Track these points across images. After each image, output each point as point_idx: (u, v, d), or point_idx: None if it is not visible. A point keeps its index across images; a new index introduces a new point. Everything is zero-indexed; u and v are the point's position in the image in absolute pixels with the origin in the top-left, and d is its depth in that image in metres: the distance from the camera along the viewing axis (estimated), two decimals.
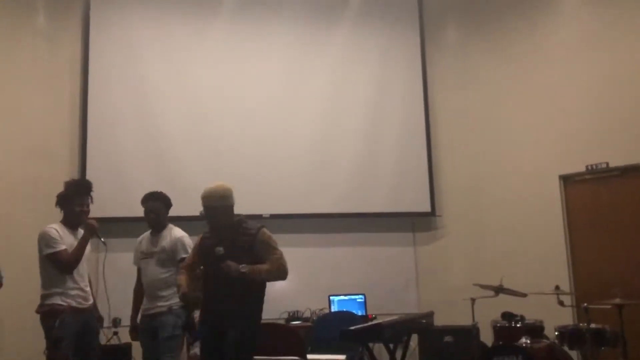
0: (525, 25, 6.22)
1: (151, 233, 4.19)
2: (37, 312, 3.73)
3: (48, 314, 3.66)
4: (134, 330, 4.18)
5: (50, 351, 3.59)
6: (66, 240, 3.76)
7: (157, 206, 4.15)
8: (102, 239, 3.95)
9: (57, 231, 3.76)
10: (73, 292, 3.73)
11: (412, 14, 6.76)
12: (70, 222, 3.85)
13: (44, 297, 3.73)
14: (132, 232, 5.75)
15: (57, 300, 3.67)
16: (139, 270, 4.21)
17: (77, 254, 3.73)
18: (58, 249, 3.68)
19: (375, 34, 6.62)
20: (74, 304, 3.70)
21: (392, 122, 6.51)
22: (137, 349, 5.07)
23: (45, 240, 3.71)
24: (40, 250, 3.73)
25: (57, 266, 3.69)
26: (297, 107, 6.30)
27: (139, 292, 4.19)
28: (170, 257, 4.03)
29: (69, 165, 5.76)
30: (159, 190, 4.21)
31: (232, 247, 3.35)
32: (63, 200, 3.85)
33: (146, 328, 4.02)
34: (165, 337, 3.92)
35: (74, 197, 3.84)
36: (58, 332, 3.59)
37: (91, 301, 3.92)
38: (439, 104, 6.71)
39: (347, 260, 6.26)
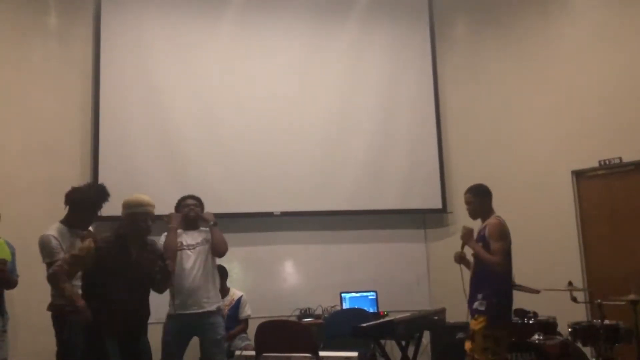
0: (537, 19, 6.17)
1: (186, 229, 4.16)
2: (48, 310, 3.76)
3: (56, 315, 3.68)
4: None
5: (60, 353, 3.66)
6: (64, 243, 3.76)
7: (195, 204, 4.23)
8: None
9: (56, 238, 3.74)
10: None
11: (421, 9, 6.75)
12: (74, 224, 3.86)
13: (54, 295, 3.73)
14: None
15: (63, 301, 3.58)
16: None
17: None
18: (55, 259, 3.63)
19: (385, 29, 6.61)
20: None
21: (402, 118, 6.49)
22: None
23: (44, 249, 3.73)
24: (41, 256, 3.75)
25: None
26: (308, 105, 6.31)
27: None
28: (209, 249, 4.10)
29: (81, 165, 5.80)
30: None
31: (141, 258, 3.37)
32: (77, 203, 3.85)
33: (183, 327, 3.96)
34: (220, 339, 4.00)
35: (97, 203, 3.92)
36: (67, 334, 3.61)
37: None
38: (449, 99, 6.68)
39: (358, 257, 6.26)
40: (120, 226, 3.39)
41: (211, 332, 3.95)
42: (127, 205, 3.39)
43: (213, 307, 3.99)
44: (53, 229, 3.81)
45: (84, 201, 3.85)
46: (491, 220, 3.91)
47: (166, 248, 3.80)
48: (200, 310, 3.92)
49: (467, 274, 3.98)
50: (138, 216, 3.35)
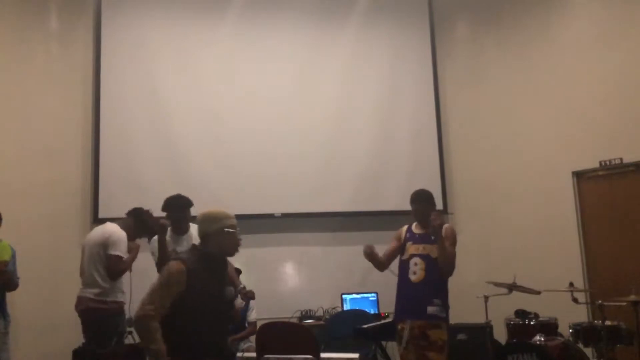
0: (537, 20, 6.17)
1: (176, 233, 4.21)
2: (101, 308, 3.88)
3: (116, 310, 3.93)
4: None
5: (116, 344, 3.81)
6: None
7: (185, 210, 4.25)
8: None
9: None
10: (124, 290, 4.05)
11: (422, 10, 6.75)
12: (130, 235, 4.11)
13: (107, 293, 3.92)
14: None
15: (121, 298, 3.99)
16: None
17: (128, 268, 4.06)
18: (125, 257, 3.99)
19: (385, 30, 6.62)
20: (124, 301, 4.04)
21: (403, 119, 6.50)
22: None
23: (122, 243, 3.99)
24: (108, 247, 3.95)
25: (113, 269, 3.93)
26: (308, 106, 6.31)
27: None
28: None
29: (82, 167, 5.81)
30: (179, 194, 4.26)
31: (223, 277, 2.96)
32: (144, 221, 4.15)
33: None
34: None
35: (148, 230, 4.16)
36: (125, 326, 3.92)
37: None
38: (450, 100, 6.69)
39: (359, 258, 6.19)
40: (208, 244, 2.86)
41: None
42: (222, 218, 2.88)
43: None
44: (122, 231, 4.09)
45: (143, 219, 4.18)
46: (449, 225, 3.92)
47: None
48: None
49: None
50: (236, 234, 2.88)
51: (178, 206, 4.17)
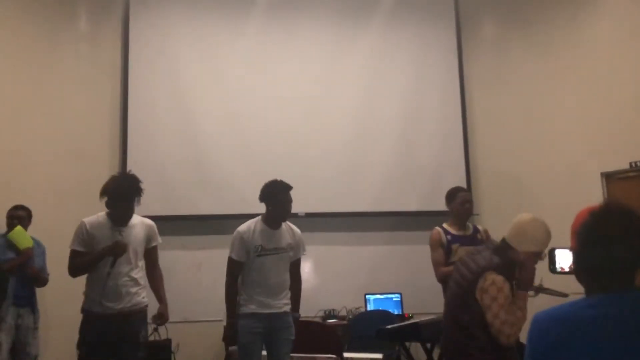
0: (565, 18, 6.08)
1: (270, 227, 3.82)
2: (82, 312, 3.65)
3: (83, 318, 3.52)
4: (234, 335, 3.71)
5: (80, 356, 3.48)
6: (99, 233, 3.49)
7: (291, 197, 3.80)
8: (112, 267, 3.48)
9: (86, 227, 3.50)
10: (107, 296, 3.45)
11: (447, 9, 6.70)
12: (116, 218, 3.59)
13: (85, 296, 3.59)
14: (172, 231, 5.86)
15: (90, 305, 3.48)
16: (240, 265, 3.75)
17: (83, 265, 3.49)
18: (72, 248, 3.49)
19: (410, 29, 6.58)
20: (100, 310, 3.43)
21: (428, 120, 6.45)
22: (177, 345, 5.16)
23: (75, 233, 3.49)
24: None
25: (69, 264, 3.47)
26: (333, 106, 6.31)
27: (236, 292, 3.77)
28: (293, 255, 3.89)
29: (109, 166, 5.89)
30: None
31: None
32: (115, 196, 3.54)
33: (266, 329, 3.72)
34: (291, 339, 3.82)
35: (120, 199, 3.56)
36: (88, 337, 3.44)
37: (131, 304, 3.52)
38: (476, 100, 6.62)
39: (383, 259, 6.23)
40: (508, 254, 2.99)
41: (287, 332, 3.82)
42: (544, 240, 3.07)
43: (288, 309, 3.87)
44: (94, 216, 3.64)
45: (111, 192, 3.56)
46: (486, 229, 4.04)
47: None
48: (281, 311, 3.80)
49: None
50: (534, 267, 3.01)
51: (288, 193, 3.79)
